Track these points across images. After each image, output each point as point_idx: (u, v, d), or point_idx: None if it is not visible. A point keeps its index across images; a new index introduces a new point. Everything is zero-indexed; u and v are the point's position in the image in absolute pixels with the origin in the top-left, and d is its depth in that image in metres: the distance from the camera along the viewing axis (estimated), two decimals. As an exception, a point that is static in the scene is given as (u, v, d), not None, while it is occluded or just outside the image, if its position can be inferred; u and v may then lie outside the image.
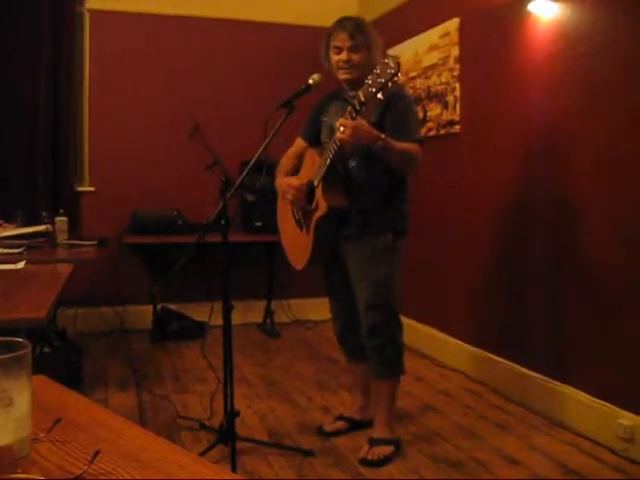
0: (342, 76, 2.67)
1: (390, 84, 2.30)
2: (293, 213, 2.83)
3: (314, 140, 2.85)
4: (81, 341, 4.12)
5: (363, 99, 2.35)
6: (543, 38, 3.17)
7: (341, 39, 2.62)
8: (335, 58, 2.65)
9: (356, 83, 2.61)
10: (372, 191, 2.66)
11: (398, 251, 2.71)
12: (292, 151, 2.93)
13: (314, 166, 2.67)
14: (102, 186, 4.75)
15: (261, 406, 3.30)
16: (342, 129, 2.39)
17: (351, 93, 2.68)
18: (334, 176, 2.61)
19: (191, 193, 4.76)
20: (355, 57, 2.61)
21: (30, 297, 1.98)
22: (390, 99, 2.52)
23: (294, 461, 2.64)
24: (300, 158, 2.88)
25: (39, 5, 4.47)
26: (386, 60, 2.29)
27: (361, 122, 2.42)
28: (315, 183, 2.64)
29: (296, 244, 2.84)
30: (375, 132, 2.45)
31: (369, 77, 2.32)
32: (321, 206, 2.60)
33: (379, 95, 2.31)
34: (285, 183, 2.77)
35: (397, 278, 2.72)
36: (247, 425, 3.00)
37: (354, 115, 2.40)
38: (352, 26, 2.61)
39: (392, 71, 2.26)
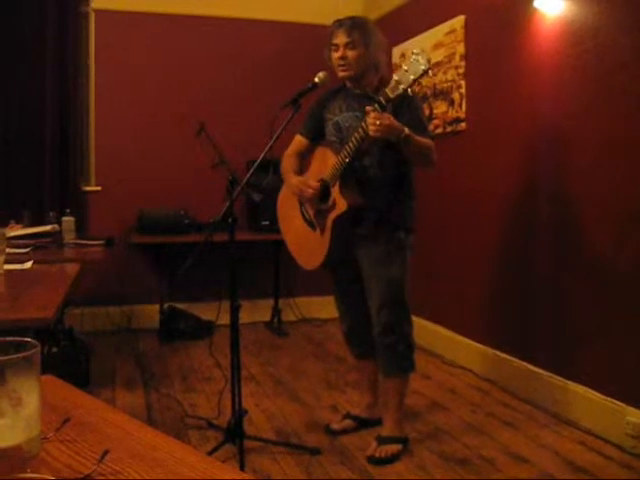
0: (340, 74, 2.66)
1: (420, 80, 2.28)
2: (302, 213, 2.80)
3: (316, 138, 2.82)
4: (89, 341, 4.12)
5: (392, 96, 2.33)
6: (549, 35, 3.16)
7: (338, 36, 2.62)
8: (334, 56, 2.65)
9: (358, 80, 2.60)
10: (386, 188, 2.65)
11: (409, 248, 2.71)
12: (292, 150, 2.87)
13: (326, 164, 2.63)
14: (109, 186, 4.76)
15: (269, 405, 3.30)
16: (378, 122, 2.34)
17: (356, 91, 2.68)
18: (350, 174, 2.59)
19: (198, 192, 4.77)
20: (350, 54, 2.60)
21: (38, 297, 1.98)
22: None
23: (302, 460, 2.65)
24: (301, 156, 2.85)
25: (44, 5, 4.48)
26: (415, 56, 2.27)
27: (390, 116, 2.39)
28: (330, 182, 2.61)
29: (306, 244, 2.80)
30: (400, 124, 2.43)
31: (396, 74, 2.30)
32: (339, 205, 2.57)
33: (409, 91, 2.30)
34: (302, 182, 2.70)
35: (408, 275, 2.72)
36: (255, 424, 3.01)
37: (380, 112, 2.36)
38: (349, 24, 2.61)
39: (424, 67, 2.25)
